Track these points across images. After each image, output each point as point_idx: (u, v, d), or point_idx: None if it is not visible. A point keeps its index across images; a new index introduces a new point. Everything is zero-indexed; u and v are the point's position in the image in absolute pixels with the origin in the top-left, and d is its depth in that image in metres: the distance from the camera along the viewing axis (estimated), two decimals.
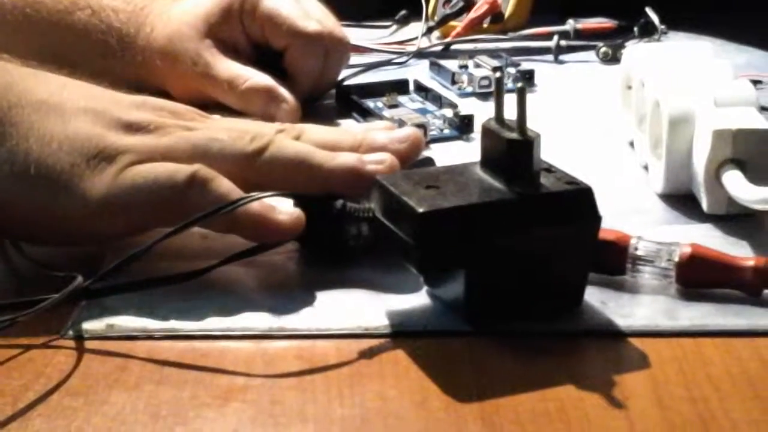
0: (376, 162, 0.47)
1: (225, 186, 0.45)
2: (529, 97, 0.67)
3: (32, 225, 0.45)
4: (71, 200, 0.44)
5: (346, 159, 0.47)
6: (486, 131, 0.42)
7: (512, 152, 0.41)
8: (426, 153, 0.58)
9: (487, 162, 0.43)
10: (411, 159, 0.50)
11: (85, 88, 0.48)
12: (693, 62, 0.56)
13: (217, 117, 0.52)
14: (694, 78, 0.53)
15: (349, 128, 0.60)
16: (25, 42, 0.65)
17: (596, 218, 0.41)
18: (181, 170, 0.45)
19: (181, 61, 0.64)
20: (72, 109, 0.46)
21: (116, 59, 0.66)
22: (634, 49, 0.60)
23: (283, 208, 0.45)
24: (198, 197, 0.44)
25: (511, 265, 0.41)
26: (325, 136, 0.50)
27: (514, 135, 0.41)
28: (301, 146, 0.48)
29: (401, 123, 0.60)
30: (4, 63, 0.48)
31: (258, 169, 0.47)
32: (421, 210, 0.40)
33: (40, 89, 0.47)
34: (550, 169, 0.42)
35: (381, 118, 0.62)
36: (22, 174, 0.44)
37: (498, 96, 0.42)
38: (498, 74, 0.42)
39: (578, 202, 0.41)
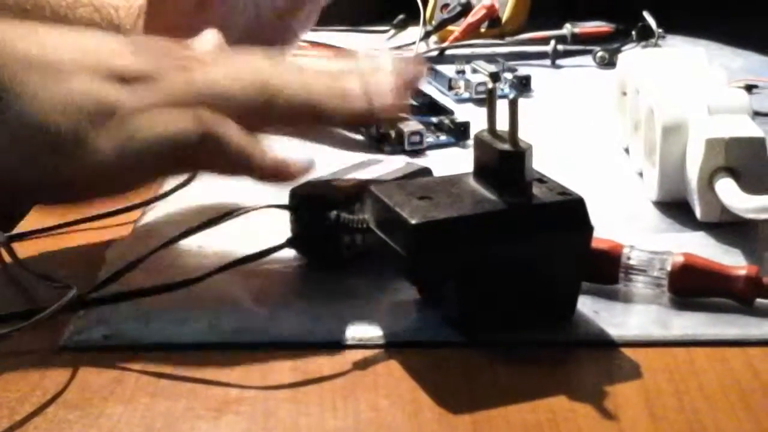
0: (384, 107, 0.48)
1: (235, 141, 0.44)
2: (526, 103, 0.69)
3: (39, 191, 0.44)
4: (78, 162, 0.43)
5: (354, 104, 0.47)
6: (478, 142, 0.43)
7: (504, 163, 0.41)
8: (422, 161, 0.59)
9: (480, 172, 0.43)
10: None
11: (75, 38, 0.47)
12: (687, 69, 0.56)
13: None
14: (688, 85, 0.53)
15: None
16: None
17: (588, 228, 0.42)
18: (189, 127, 0.44)
19: None
20: (65, 66, 0.44)
21: None
22: (629, 55, 0.61)
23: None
24: (210, 153, 0.44)
25: (504, 275, 0.41)
26: (332, 85, 0.48)
27: (506, 146, 0.41)
28: (309, 95, 0.47)
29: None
30: None
31: (262, 113, 0.46)
32: (413, 221, 0.40)
33: (27, 44, 0.45)
34: (542, 180, 0.43)
35: (379, 129, 0.62)
36: (24, 141, 0.43)
37: (490, 107, 0.42)
38: (490, 85, 0.42)
39: (570, 212, 0.41)
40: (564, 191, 0.42)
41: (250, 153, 0.45)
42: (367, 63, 0.50)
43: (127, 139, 0.43)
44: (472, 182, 0.43)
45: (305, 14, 0.66)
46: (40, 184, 0.44)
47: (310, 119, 0.47)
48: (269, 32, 0.65)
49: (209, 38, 0.49)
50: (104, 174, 0.43)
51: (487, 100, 0.42)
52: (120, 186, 0.45)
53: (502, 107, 0.41)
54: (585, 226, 0.42)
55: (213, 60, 0.48)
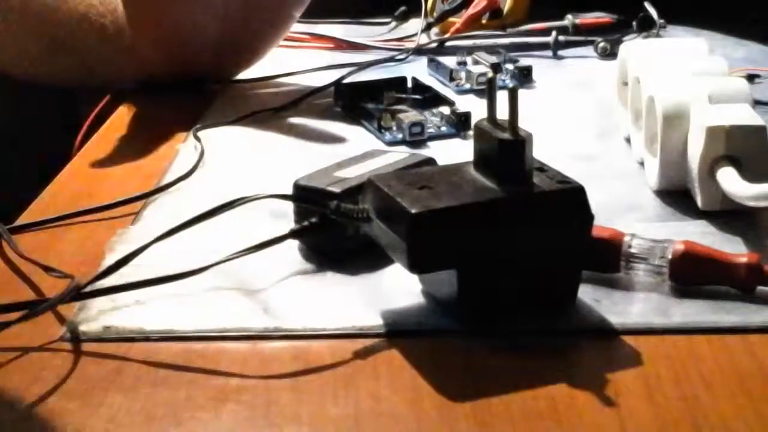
0: None
1: None
2: (527, 93, 0.69)
3: None
4: None
5: None
6: (479, 131, 0.43)
7: (504, 152, 0.41)
8: (424, 151, 0.59)
9: (480, 162, 0.43)
10: None
11: None
12: (688, 58, 0.56)
13: None
14: (689, 74, 0.53)
15: None
16: (22, 24, 0.65)
17: (588, 217, 0.42)
18: None
19: None
20: None
21: (111, 42, 0.66)
22: (630, 45, 0.60)
23: None
24: None
25: (504, 264, 0.41)
26: None
27: (506, 135, 0.41)
28: None
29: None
30: None
31: None
32: (413, 210, 0.40)
33: None
34: (542, 169, 0.43)
35: (381, 121, 0.62)
36: None
37: (490, 96, 0.42)
38: (490, 74, 0.42)
39: (570, 201, 0.41)
40: (564, 180, 0.42)
41: None
42: None
43: None
44: (473, 171, 0.43)
45: None
46: None
47: None
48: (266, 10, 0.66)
49: None
50: None
51: (487, 90, 0.42)
52: None
53: (502, 98, 0.41)
54: (585, 215, 0.42)
55: None
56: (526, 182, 0.41)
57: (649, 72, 0.55)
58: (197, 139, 0.61)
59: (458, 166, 0.43)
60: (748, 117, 0.49)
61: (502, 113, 0.42)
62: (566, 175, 0.42)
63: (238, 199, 0.46)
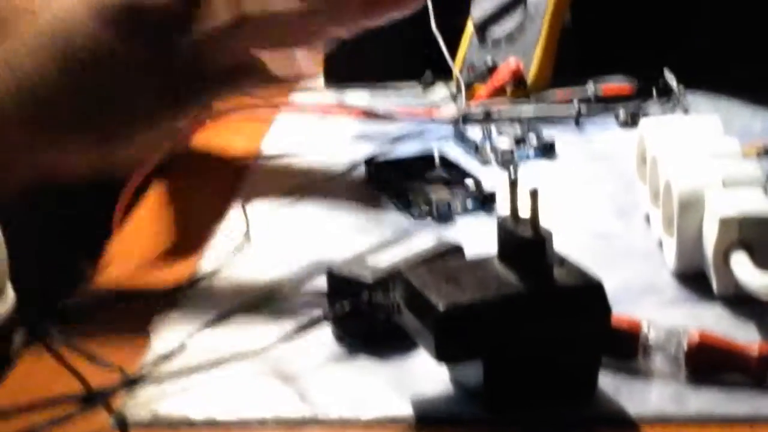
0: None
1: None
2: (549, 166, 0.72)
3: None
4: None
5: None
6: (502, 227, 0.45)
7: (526, 250, 0.44)
8: (450, 229, 0.62)
9: (503, 255, 0.45)
10: None
11: None
12: (702, 139, 0.58)
13: None
14: (703, 157, 0.56)
15: None
16: None
17: (606, 311, 0.44)
18: None
19: None
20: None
21: None
22: (649, 123, 0.63)
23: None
24: None
25: (527, 355, 0.44)
26: None
27: (527, 234, 0.44)
28: None
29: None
30: None
31: None
32: (441, 305, 0.43)
33: None
34: (563, 262, 0.45)
35: (410, 199, 0.64)
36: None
37: (513, 194, 0.45)
38: (513, 175, 0.45)
39: (589, 296, 0.44)
40: (583, 274, 0.44)
41: None
42: None
43: None
44: (497, 264, 0.45)
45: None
46: None
47: None
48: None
49: None
50: None
51: (510, 189, 0.45)
52: None
53: (524, 172, 0.44)
54: (603, 309, 0.44)
55: None
56: (547, 277, 0.44)
57: (665, 154, 0.57)
58: (243, 215, 0.63)
59: (483, 259, 0.46)
60: (761, 205, 0.51)
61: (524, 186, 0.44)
62: (585, 269, 0.45)
63: (274, 293, 0.49)
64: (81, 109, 0.52)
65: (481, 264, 0.46)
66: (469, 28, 0.88)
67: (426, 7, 0.89)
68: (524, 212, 0.44)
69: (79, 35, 0.51)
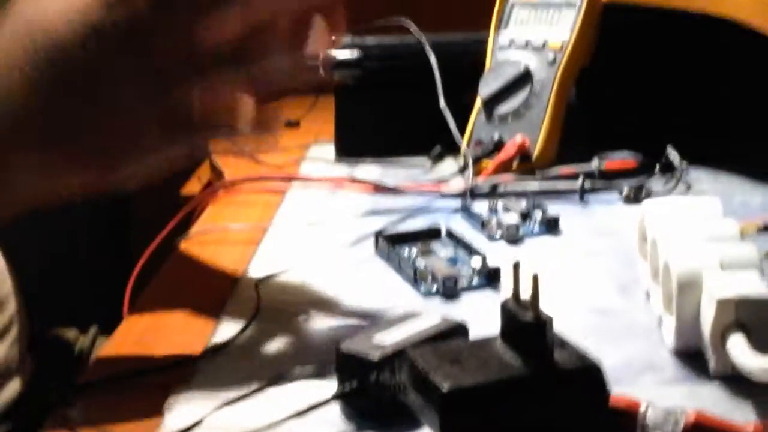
0: None
1: None
2: (553, 241, 0.73)
3: None
4: None
5: None
6: (504, 310, 0.47)
7: (527, 333, 0.46)
8: (456, 304, 0.63)
9: (505, 336, 0.47)
10: None
11: None
12: (702, 221, 0.60)
13: None
14: (702, 238, 0.57)
15: None
16: None
17: (605, 392, 0.46)
18: None
19: None
20: None
21: None
22: (650, 204, 0.65)
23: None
24: None
25: None
26: None
27: (529, 317, 0.46)
28: None
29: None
30: None
31: None
32: (444, 387, 0.44)
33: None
34: (563, 344, 0.47)
35: (416, 273, 0.66)
36: None
37: (515, 278, 0.47)
38: (516, 262, 0.47)
39: (588, 378, 0.45)
40: (583, 356, 0.46)
41: None
42: None
43: None
44: (499, 345, 0.47)
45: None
46: None
47: None
48: None
49: None
50: None
51: (513, 273, 0.47)
52: None
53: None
54: (602, 390, 0.46)
55: None
56: (547, 360, 0.46)
57: (665, 236, 0.59)
58: (256, 290, 0.65)
59: (486, 340, 0.48)
60: (757, 288, 0.53)
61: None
62: (584, 351, 0.46)
63: (281, 377, 0.50)
64: (53, 127, 0.51)
65: (484, 345, 0.48)
66: (477, 104, 0.91)
67: (435, 85, 0.92)
68: (527, 293, 0.46)
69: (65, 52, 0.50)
